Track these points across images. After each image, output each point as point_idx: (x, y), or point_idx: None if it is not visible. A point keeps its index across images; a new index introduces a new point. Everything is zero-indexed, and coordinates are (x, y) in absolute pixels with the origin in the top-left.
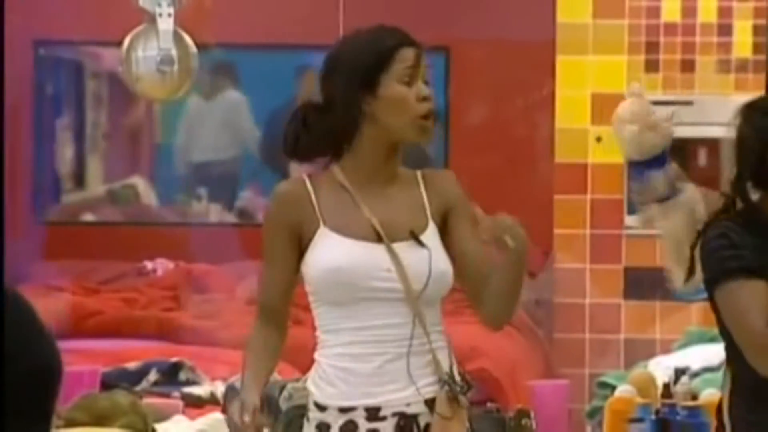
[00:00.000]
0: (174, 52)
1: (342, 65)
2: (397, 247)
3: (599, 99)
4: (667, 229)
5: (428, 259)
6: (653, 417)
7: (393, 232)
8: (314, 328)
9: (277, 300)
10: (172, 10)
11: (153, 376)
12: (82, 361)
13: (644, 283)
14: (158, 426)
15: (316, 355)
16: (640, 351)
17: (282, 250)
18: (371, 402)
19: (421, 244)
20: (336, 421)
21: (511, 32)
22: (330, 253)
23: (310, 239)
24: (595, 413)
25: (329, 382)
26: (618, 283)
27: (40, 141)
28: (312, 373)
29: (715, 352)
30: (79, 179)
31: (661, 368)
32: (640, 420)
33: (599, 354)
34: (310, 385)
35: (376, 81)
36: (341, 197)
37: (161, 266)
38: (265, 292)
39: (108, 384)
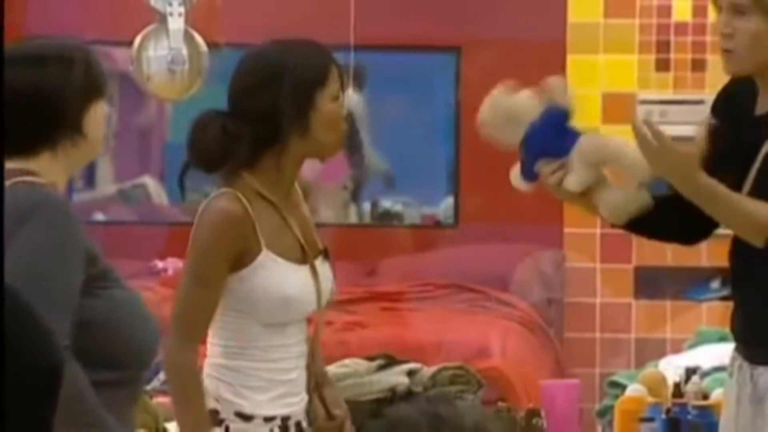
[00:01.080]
0: (185, 52)
1: (286, 77)
2: (316, 264)
3: (610, 98)
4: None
5: (332, 274)
6: (664, 416)
7: (311, 249)
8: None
9: (208, 321)
10: (182, 10)
11: (164, 375)
12: None
13: (655, 283)
14: (169, 425)
15: (231, 364)
16: (650, 350)
17: (222, 273)
18: (286, 411)
19: (327, 258)
20: (262, 430)
21: (522, 32)
22: (277, 280)
23: (250, 261)
24: (605, 412)
25: (255, 391)
26: (629, 283)
27: None
28: (224, 381)
29: (726, 352)
30: (90, 179)
31: (671, 368)
32: (650, 419)
33: (610, 353)
34: (228, 395)
35: (316, 98)
36: (271, 215)
37: (172, 265)
38: (197, 313)
39: None
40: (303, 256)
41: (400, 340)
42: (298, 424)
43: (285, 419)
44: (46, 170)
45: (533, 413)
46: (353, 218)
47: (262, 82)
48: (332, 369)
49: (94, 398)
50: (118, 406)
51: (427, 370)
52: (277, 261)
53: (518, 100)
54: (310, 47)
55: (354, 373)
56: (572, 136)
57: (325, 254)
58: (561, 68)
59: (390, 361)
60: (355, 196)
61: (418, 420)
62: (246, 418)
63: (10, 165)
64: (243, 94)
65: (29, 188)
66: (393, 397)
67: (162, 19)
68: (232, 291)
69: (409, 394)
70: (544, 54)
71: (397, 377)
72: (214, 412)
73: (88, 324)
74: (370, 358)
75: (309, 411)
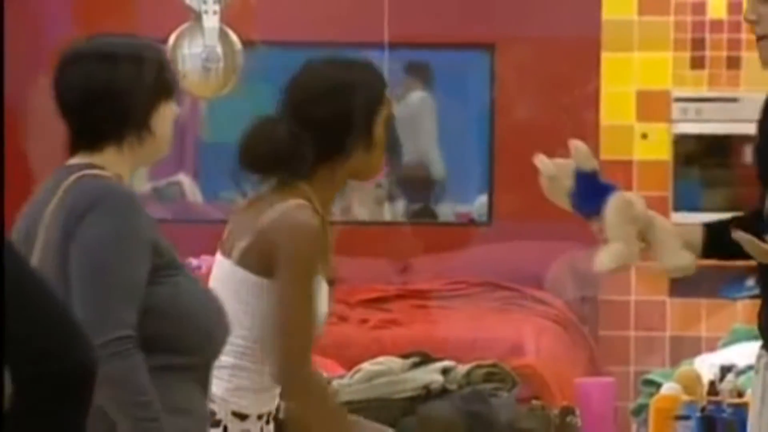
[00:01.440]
0: (219, 50)
1: (358, 90)
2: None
3: (644, 96)
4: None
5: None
6: (699, 414)
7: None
8: (358, 324)
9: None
10: (217, 8)
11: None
12: None
13: (690, 281)
14: None
15: (250, 366)
16: (685, 348)
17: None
18: (272, 406)
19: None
20: (256, 428)
21: (557, 29)
22: (320, 301)
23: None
24: (640, 411)
25: (253, 391)
26: (663, 281)
27: None
28: (227, 381)
29: None
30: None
31: (706, 366)
32: (685, 417)
33: (645, 351)
34: (225, 395)
35: (377, 116)
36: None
37: (206, 263)
38: (308, 335)
39: None
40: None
41: (433, 338)
42: (273, 415)
43: (269, 414)
44: (111, 165)
45: (567, 411)
46: (387, 216)
47: (331, 93)
48: (367, 366)
49: (153, 391)
50: (190, 392)
51: (462, 368)
52: (322, 283)
53: (553, 168)
54: (373, 67)
55: (388, 371)
56: (603, 192)
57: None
58: (595, 66)
59: (424, 359)
60: (390, 195)
61: (452, 418)
62: (242, 417)
63: (75, 160)
64: (308, 103)
65: (94, 180)
66: (427, 394)
67: (197, 17)
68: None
69: (443, 392)
70: (579, 51)
71: (431, 375)
72: (210, 413)
73: (153, 310)
74: (405, 356)
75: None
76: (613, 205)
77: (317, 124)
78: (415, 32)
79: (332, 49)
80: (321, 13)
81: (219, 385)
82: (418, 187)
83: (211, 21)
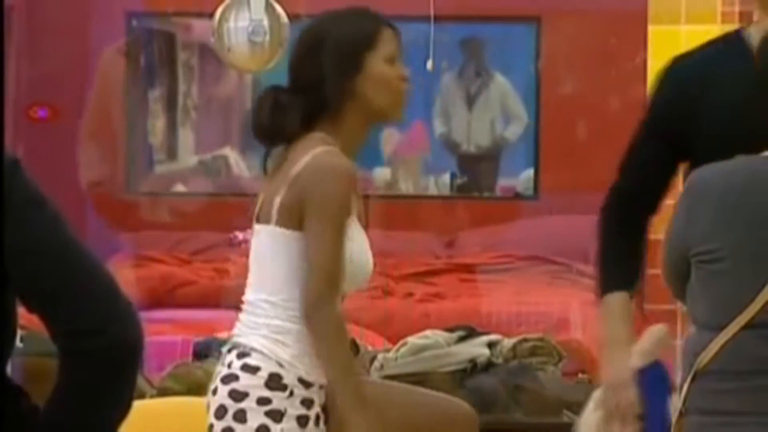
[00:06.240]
0: (266, 23)
1: (329, 45)
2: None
3: None
4: None
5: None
6: None
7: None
8: (403, 298)
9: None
10: None
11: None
12: (174, 330)
13: None
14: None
15: (295, 328)
16: None
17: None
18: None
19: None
20: (319, 398)
21: (603, 2)
22: (360, 246)
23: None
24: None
25: (312, 358)
26: None
27: (132, 112)
28: (288, 345)
29: None
30: (171, 150)
31: None
32: None
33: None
34: (291, 359)
35: (364, 60)
36: None
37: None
38: (342, 266)
39: (200, 354)
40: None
41: (479, 312)
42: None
43: (323, 386)
44: None
45: None
46: (433, 190)
47: (309, 51)
48: (412, 340)
49: None
50: None
51: (508, 342)
52: (357, 227)
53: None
54: (358, 13)
55: (434, 345)
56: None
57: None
58: (642, 39)
59: (470, 333)
60: (436, 167)
61: (498, 391)
62: (307, 384)
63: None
64: (294, 66)
65: None
66: (473, 368)
67: None
68: None
69: (489, 366)
70: (625, 24)
71: (477, 349)
72: (277, 376)
73: None
74: (450, 330)
75: None
76: None
77: (300, 84)
78: (462, 5)
79: None
80: None
81: (285, 350)
82: (465, 161)
83: None
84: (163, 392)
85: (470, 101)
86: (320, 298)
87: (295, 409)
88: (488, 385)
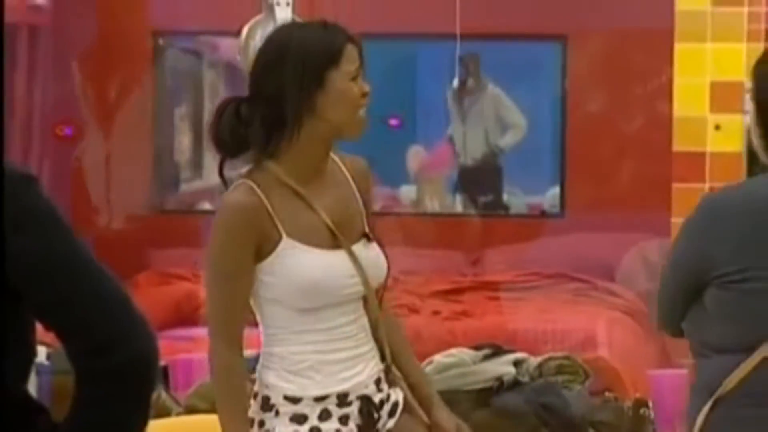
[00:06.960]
0: None
1: (291, 59)
2: (355, 249)
3: (718, 87)
4: None
5: (381, 256)
6: None
7: (347, 232)
8: (430, 316)
9: (241, 316)
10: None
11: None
12: (200, 348)
13: None
14: None
15: (276, 350)
16: None
17: (245, 265)
18: (342, 388)
19: (369, 240)
20: (313, 411)
21: (629, 20)
22: (301, 266)
23: (272, 250)
24: None
25: (301, 375)
26: None
27: (159, 130)
28: (272, 368)
29: None
30: (197, 168)
31: None
32: None
33: None
34: (275, 380)
35: (326, 76)
36: (293, 202)
37: None
38: (230, 311)
39: None
40: (334, 240)
41: (505, 330)
42: (364, 398)
43: (342, 395)
44: None
45: (641, 403)
46: (459, 208)
47: (269, 65)
48: (438, 358)
49: None
50: None
51: (534, 360)
52: (299, 248)
53: None
54: (321, 27)
55: (460, 363)
56: None
57: (367, 237)
58: (668, 57)
59: (496, 351)
60: (461, 186)
61: (524, 410)
62: (294, 400)
63: None
64: (253, 78)
65: None
66: (499, 386)
67: (269, 8)
68: (261, 281)
69: (515, 384)
70: (652, 43)
71: (503, 367)
72: (266, 399)
73: None
74: (476, 348)
75: (386, 379)
76: None
77: (259, 97)
78: (487, 24)
79: (404, 40)
80: (393, 4)
81: (269, 373)
82: (490, 179)
83: (284, 12)
84: (189, 410)
85: (463, 114)
86: (211, 342)
87: (284, 426)
88: (514, 403)
